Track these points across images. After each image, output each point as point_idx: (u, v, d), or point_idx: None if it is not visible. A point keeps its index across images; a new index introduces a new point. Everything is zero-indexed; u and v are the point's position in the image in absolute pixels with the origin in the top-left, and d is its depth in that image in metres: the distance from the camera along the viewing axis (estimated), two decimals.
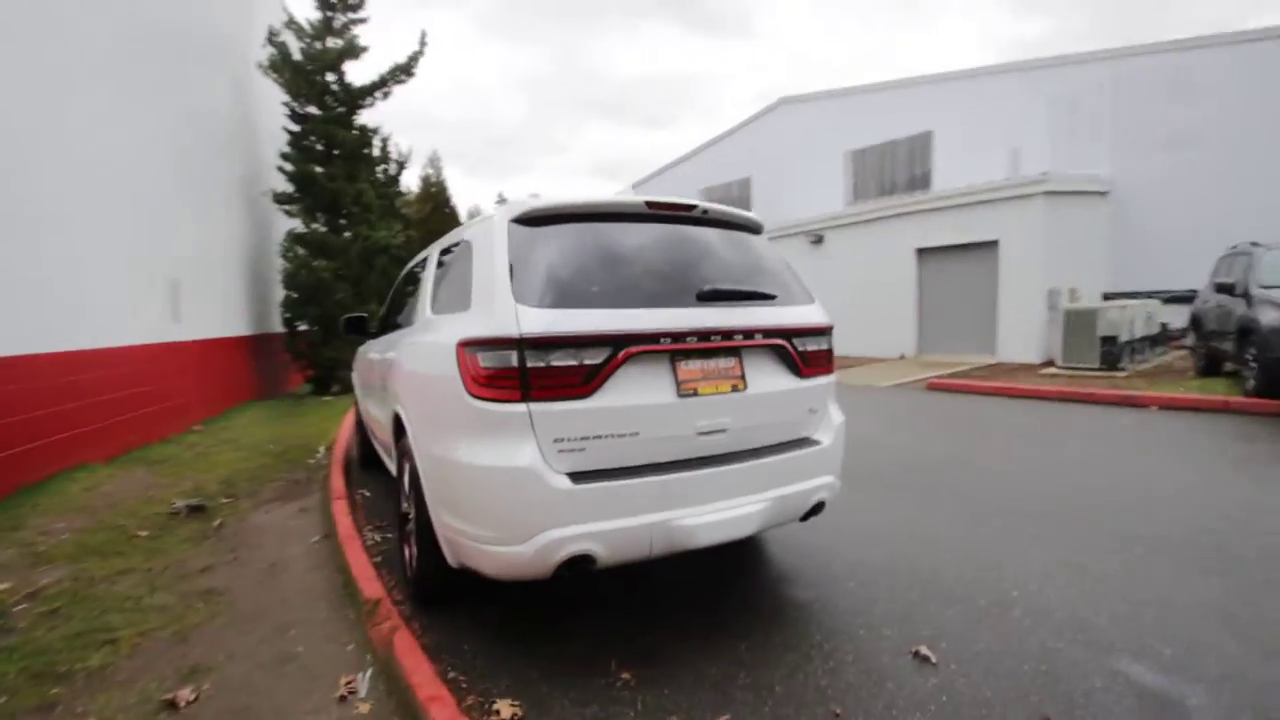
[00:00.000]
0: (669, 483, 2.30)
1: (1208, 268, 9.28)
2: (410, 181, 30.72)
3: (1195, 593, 2.72)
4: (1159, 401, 7.18)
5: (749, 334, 2.51)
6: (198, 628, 2.70)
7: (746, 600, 2.80)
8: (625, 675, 2.24)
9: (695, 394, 2.41)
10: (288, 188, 10.01)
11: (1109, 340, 9.53)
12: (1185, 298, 11.29)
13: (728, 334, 2.45)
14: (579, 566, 2.21)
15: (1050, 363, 10.92)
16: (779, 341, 2.59)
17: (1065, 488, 4.27)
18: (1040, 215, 11.75)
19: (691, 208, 2.71)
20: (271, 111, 10.39)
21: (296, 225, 10.05)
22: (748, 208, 21.96)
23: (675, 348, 2.35)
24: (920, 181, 17.40)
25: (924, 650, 2.33)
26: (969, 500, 4.06)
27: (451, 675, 2.26)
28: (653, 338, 2.33)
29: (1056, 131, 14.67)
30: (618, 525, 2.23)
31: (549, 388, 2.20)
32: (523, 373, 2.18)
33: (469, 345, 2.26)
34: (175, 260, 7.45)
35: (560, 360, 2.21)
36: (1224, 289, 7.51)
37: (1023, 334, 11.81)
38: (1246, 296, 6.99)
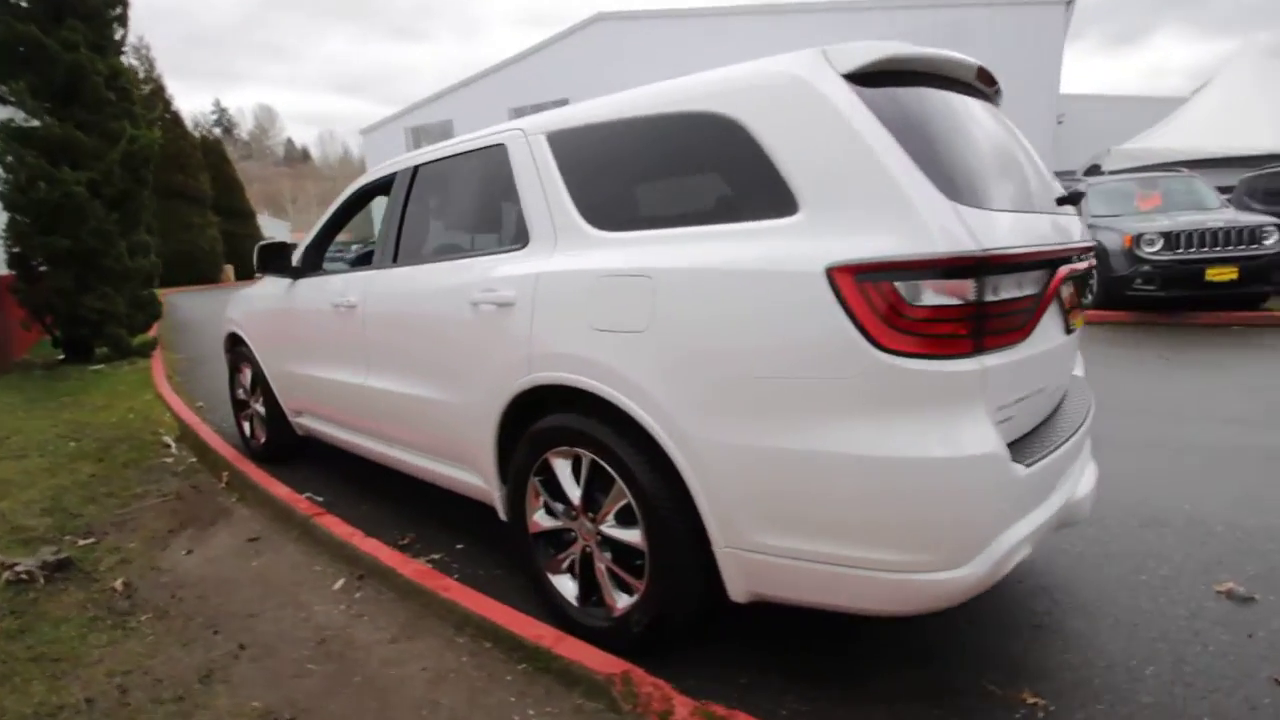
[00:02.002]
0: (1070, 449, 1.75)
1: None
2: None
3: None
4: None
5: (1086, 252, 1.97)
6: None
7: None
8: None
9: (1072, 330, 1.85)
10: None
11: None
12: None
13: (1086, 251, 1.90)
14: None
15: None
16: (1093, 262, 2.10)
17: None
18: None
19: (993, 82, 2.04)
20: None
21: (14, 115, 6.70)
22: None
23: (1074, 269, 1.74)
24: None
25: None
26: None
27: None
28: (1067, 256, 1.70)
29: None
30: (1044, 514, 1.63)
31: (999, 331, 1.47)
32: (979, 310, 1.41)
33: (874, 271, 1.40)
34: None
35: (1009, 290, 1.48)
36: None
37: None
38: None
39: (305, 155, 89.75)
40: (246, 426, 4.10)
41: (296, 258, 3.37)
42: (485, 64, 22.31)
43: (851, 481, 1.46)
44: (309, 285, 3.27)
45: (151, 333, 8.71)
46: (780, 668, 1.89)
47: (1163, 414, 4.14)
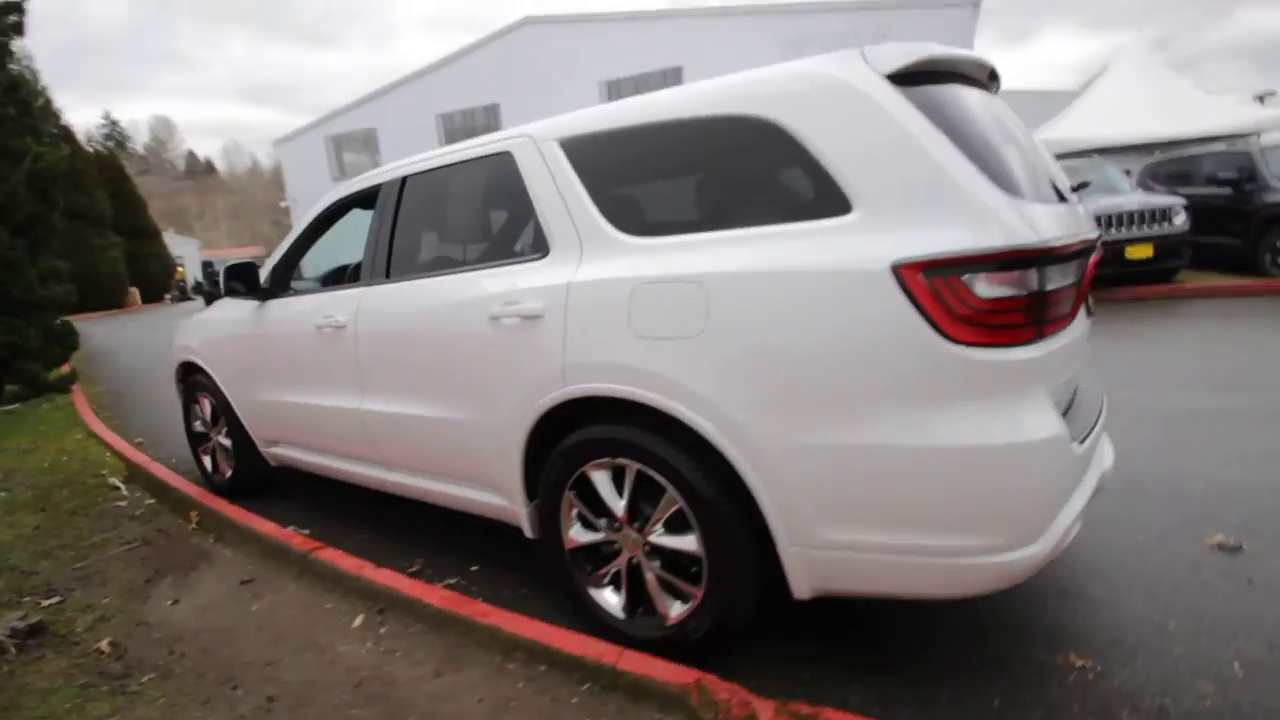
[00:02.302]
0: (1102, 424, 1.86)
1: None
2: None
3: None
4: None
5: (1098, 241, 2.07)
6: None
7: None
8: None
9: (1091, 313, 1.97)
10: None
11: None
12: None
13: (1099, 240, 2.01)
14: None
15: None
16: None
17: None
18: None
19: (998, 79, 2.12)
20: None
21: None
22: None
23: (1099, 256, 1.85)
24: None
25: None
26: None
27: None
28: (1095, 244, 1.80)
29: None
30: (1089, 488, 1.73)
31: (1053, 318, 1.54)
32: (1039, 299, 1.47)
33: (942, 266, 1.43)
34: None
35: (1059, 279, 1.55)
36: None
37: None
38: None
39: (210, 168, 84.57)
40: (207, 461, 3.82)
41: (264, 278, 3.15)
42: (401, 69, 21.79)
43: (924, 472, 1.49)
44: (282, 307, 3.07)
45: (66, 367, 7.99)
46: (833, 658, 1.92)
47: (1114, 383, 4.45)
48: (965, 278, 1.42)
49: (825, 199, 1.60)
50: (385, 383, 2.55)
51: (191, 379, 3.72)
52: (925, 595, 1.64)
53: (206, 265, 41.79)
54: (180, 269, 34.60)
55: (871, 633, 2.03)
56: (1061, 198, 1.89)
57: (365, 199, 2.91)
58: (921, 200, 1.49)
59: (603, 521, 2.01)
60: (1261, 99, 15.83)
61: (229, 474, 3.67)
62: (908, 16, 15.25)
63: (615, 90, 18.71)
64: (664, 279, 1.75)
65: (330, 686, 1.94)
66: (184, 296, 28.17)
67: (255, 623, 2.35)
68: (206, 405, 3.70)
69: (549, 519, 2.12)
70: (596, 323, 1.87)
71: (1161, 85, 13.00)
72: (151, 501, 3.67)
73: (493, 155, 2.30)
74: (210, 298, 6.42)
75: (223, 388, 3.44)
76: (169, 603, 2.55)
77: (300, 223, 3.12)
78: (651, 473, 1.84)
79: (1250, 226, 7.51)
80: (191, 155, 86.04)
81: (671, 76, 17.90)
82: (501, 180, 2.31)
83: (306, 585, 2.56)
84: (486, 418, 2.21)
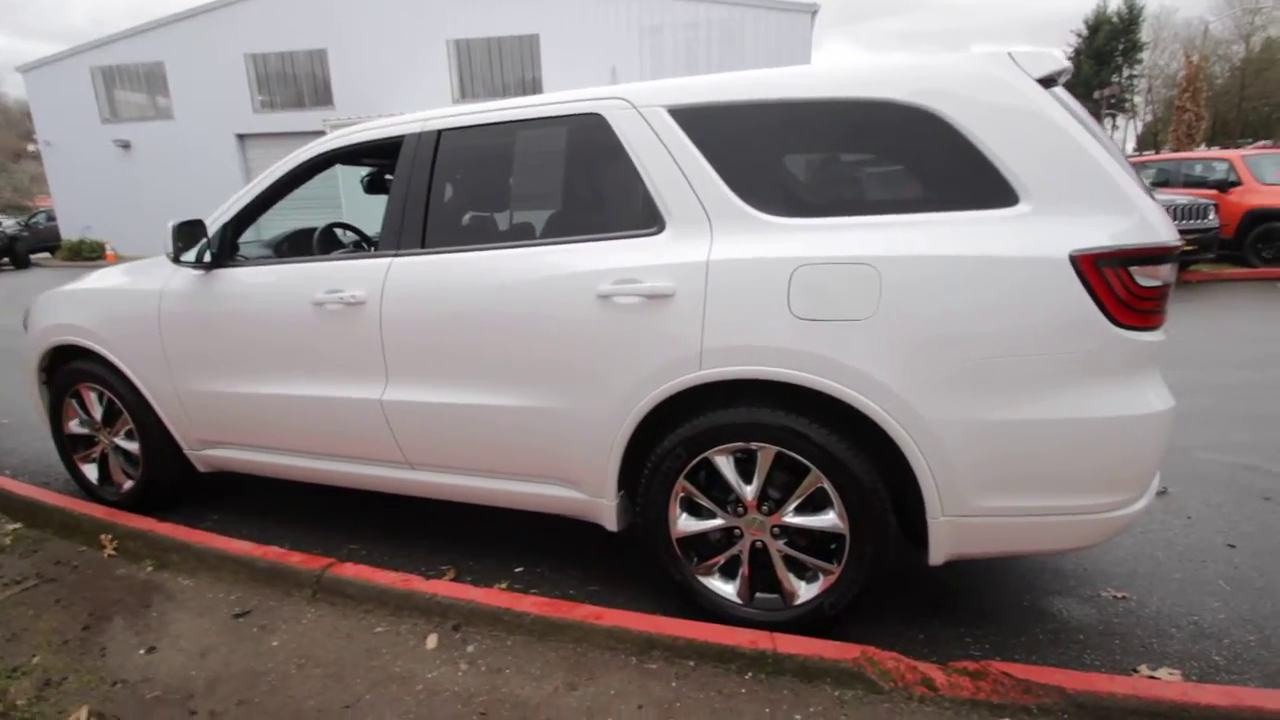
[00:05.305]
0: None
1: None
2: None
3: None
4: None
5: None
6: None
7: None
8: None
9: None
10: None
11: None
12: None
13: None
14: None
15: None
16: None
17: None
18: None
19: None
20: None
21: None
22: (323, 88, 18.36)
23: None
24: (532, 86, 17.40)
25: None
26: None
27: None
28: None
29: (645, 55, 16.67)
30: None
31: (1166, 306, 1.79)
32: (1168, 289, 1.71)
33: (1114, 257, 1.60)
34: None
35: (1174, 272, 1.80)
36: None
37: None
38: None
39: None
40: (90, 470, 3.04)
41: (212, 242, 2.55)
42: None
43: (1080, 441, 1.68)
44: (243, 278, 2.52)
45: None
46: (935, 615, 2.09)
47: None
48: (1132, 268, 1.61)
49: (990, 189, 1.70)
50: (425, 369, 2.22)
51: (71, 368, 2.91)
52: (1049, 550, 1.85)
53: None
54: None
55: (945, 591, 2.23)
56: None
57: (365, 153, 2.48)
58: (1086, 196, 1.65)
59: (727, 506, 1.97)
60: None
61: (128, 485, 2.96)
62: (751, 15, 16.17)
63: (466, 51, 17.56)
64: (832, 260, 1.74)
65: (449, 719, 1.69)
66: None
67: (290, 661, 1.95)
68: (94, 401, 2.92)
69: (653, 509, 2.03)
70: (747, 304, 1.80)
71: None
72: (17, 526, 2.83)
73: (573, 116, 2.09)
74: None
75: (134, 378, 2.74)
76: (142, 651, 2.01)
77: (263, 177, 2.56)
78: (794, 455, 1.84)
79: None
80: None
81: (528, 44, 17.23)
82: (587, 145, 2.11)
83: (331, 609, 2.17)
84: (581, 405, 2.03)
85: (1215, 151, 11.83)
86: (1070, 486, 1.72)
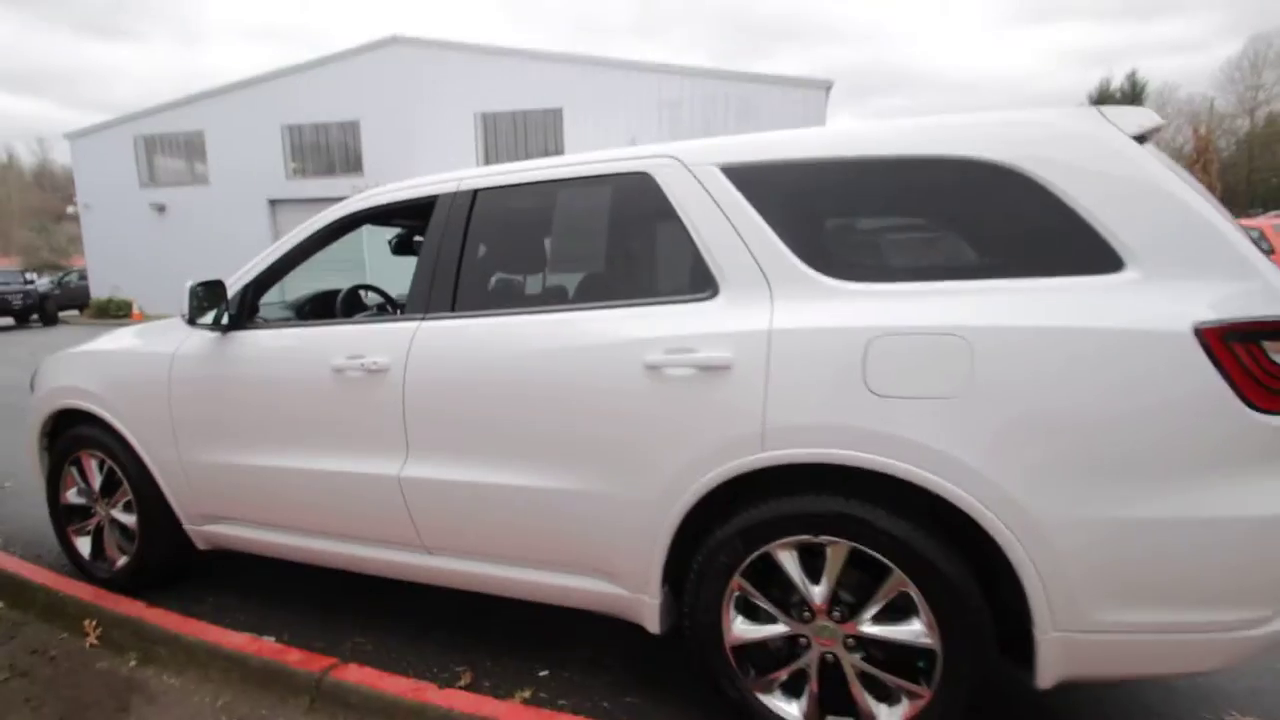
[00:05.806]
0: None
1: None
2: None
3: None
4: None
5: None
6: None
7: None
8: None
9: None
10: None
11: None
12: None
13: None
14: None
15: None
16: None
17: None
18: None
19: None
20: None
21: None
22: (354, 157, 18.98)
23: None
24: (555, 155, 17.92)
25: None
26: None
27: None
28: None
29: (664, 128, 17.17)
30: None
31: None
32: None
33: (1244, 331, 1.39)
34: None
35: None
36: None
37: None
38: None
39: None
40: (83, 544, 2.82)
41: (231, 304, 2.42)
42: (223, 75, 19.31)
43: (1216, 543, 1.42)
44: (262, 340, 2.38)
45: None
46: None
47: None
48: (1264, 343, 1.40)
49: (1090, 254, 1.51)
50: (449, 443, 2.02)
51: (73, 433, 2.75)
52: (1180, 672, 1.56)
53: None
54: None
55: (1041, 713, 1.91)
56: None
57: (397, 212, 2.38)
58: (1200, 260, 1.46)
59: (790, 610, 1.71)
60: None
61: (122, 561, 2.74)
62: (767, 90, 16.69)
63: (492, 123, 18.22)
64: (913, 330, 1.55)
65: None
66: None
67: None
68: (94, 469, 2.74)
69: (704, 611, 1.77)
70: (816, 377, 1.60)
71: None
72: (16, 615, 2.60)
73: (619, 175, 1.96)
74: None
75: (136, 445, 2.56)
76: None
77: (289, 237, 2.45)
78: (872, 552, 1.59)
79: None
80: None
81: (552, 117, 17.85)
82: (633, 205, 1.98)
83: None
84: (623, 487, 1.81)
85: (1245, 220, 11.75)
86: (1207, 598, 1.45)
